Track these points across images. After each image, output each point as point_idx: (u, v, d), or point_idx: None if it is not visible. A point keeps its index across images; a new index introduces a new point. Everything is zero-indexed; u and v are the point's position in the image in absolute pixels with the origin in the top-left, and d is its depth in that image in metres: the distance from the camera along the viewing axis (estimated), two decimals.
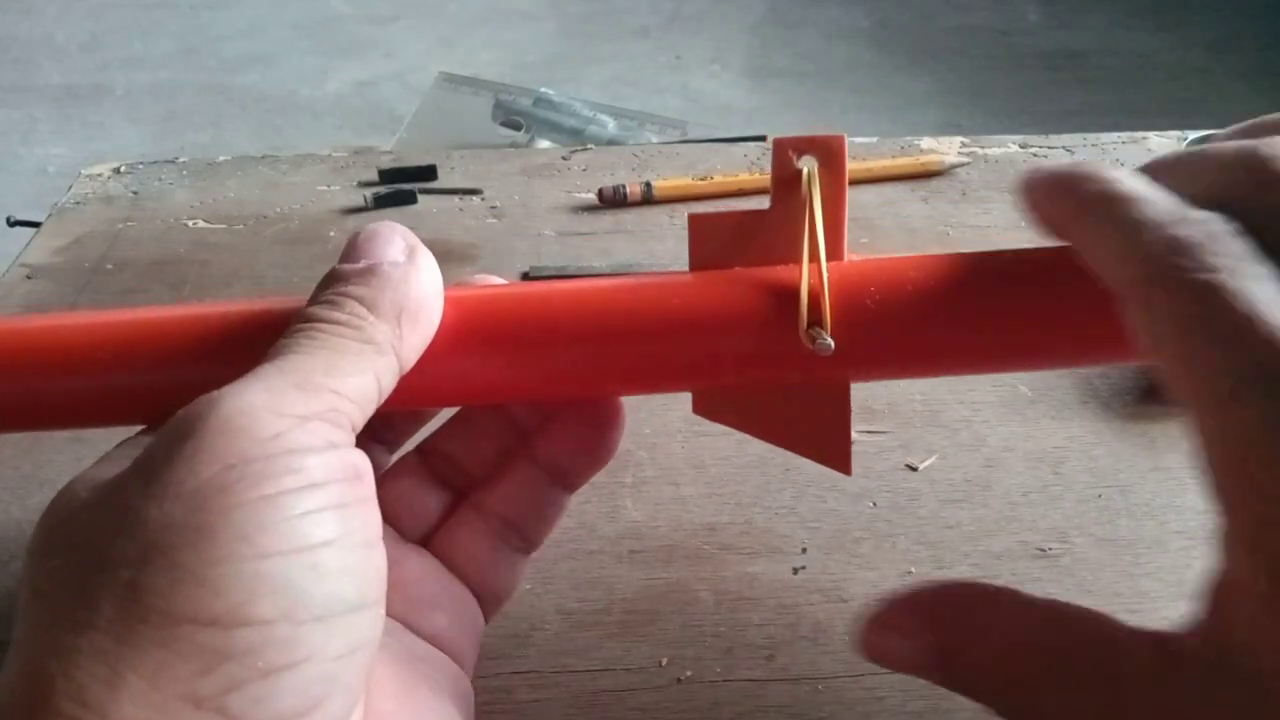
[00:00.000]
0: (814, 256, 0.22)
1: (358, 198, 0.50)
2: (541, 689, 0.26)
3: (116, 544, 0.16)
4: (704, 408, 0.24)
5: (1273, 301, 0.17)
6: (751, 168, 0.52)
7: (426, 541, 0.24)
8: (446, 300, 0.22)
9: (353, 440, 0.19)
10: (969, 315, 0.22)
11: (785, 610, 0.28)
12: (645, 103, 1.73)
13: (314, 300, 0.21)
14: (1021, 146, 0.54)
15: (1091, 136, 0.56)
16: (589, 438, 0.25)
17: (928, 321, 0.22)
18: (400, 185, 0.50)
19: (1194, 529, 0.30)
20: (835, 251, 0.23)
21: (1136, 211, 0.19)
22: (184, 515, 0.16)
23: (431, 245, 0.23)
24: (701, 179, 0.50)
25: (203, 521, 0.16)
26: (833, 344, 0.21)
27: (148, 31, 2.20)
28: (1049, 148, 0.54)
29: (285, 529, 0.17)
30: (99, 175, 0.52)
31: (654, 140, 0.98)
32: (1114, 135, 0.56)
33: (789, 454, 0.24)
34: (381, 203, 0.49)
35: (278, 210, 0.49)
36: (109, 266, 0.45)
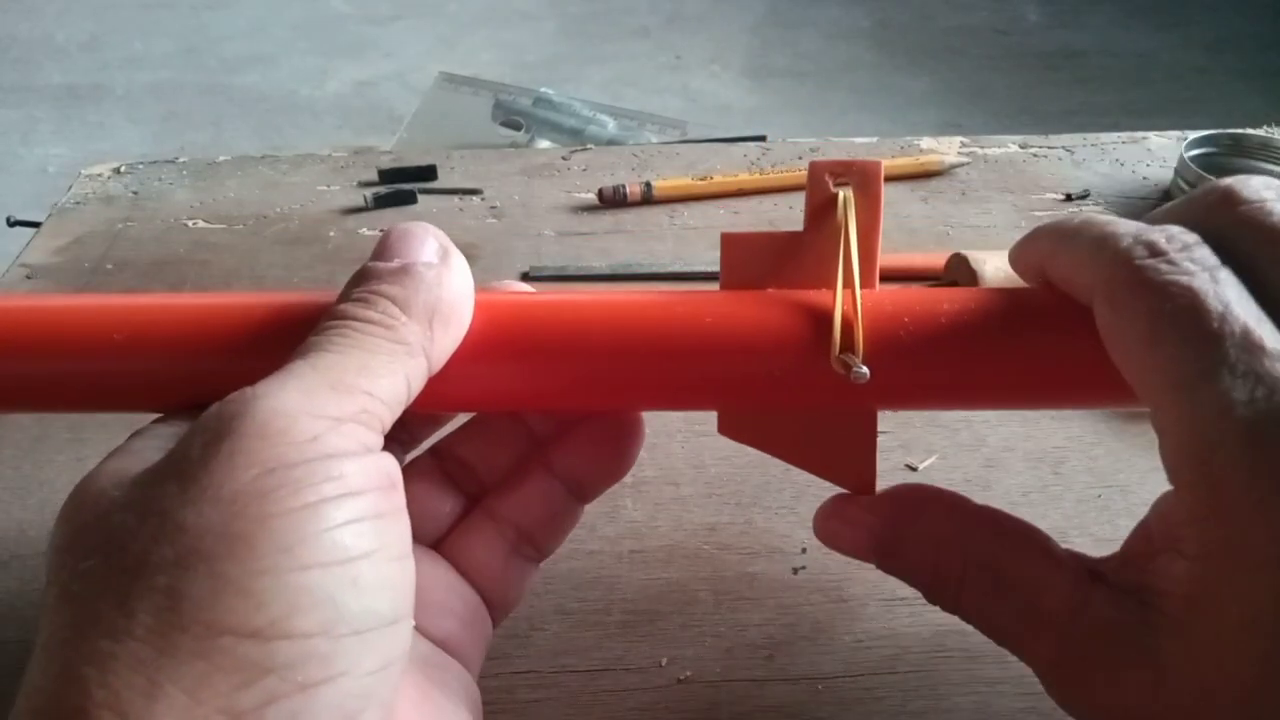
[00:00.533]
0: (848, 283, 0.22)
1: (358, 198, 0.50)
2: (541, 689, 0.26)
3: (153, 549, 0.16)
4: (730, 429, 0.24)
5: (1240, 299, 0.18)
6: (751, 168, 0.52)
7: (438, 545, 0.24)
8: (476, 305, 0.22)
9: (382, 443, 0.19)
10: (1002, 351, 0.22)
11: (785, 610, 0.28)
12: (645, 103, 1.73)
13: (345, 297, 0.21)
14: (1021, 146, 0.54)
15: (1091, 136, 0.56)
16: (608, 450, 0.24)
17: (959, 355, 0.22)
18: (400, 185, 0.50)
19: None
20: (869, 277, 0.23)
21: (1110, 227, 0.20)
22: (222, 521, 0.16)
23: None
24: (701, 179, 0.50)
25: (242, 529, 0.16)
26: (868, 373, 0.21)
27: (148, 31, 2.19)
28: (1049, 148, 0.54)
29: (326, 541, 0.17)
30: (99, 175, 0.52)
31: (654, 140, 0.98)
32: (1114, 135, 0.56)
33: None
34: (381, 203, 0.49)
35: (278, 210, 0.49)
36: (109, 266, 0.45)
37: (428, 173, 0.51)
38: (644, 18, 2.28)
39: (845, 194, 0.23)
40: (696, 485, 0.32)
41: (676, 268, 0.44)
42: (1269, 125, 0.54)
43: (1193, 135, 0.50)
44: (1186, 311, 0.18)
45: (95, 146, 1.78)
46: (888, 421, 0.35)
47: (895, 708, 0.26)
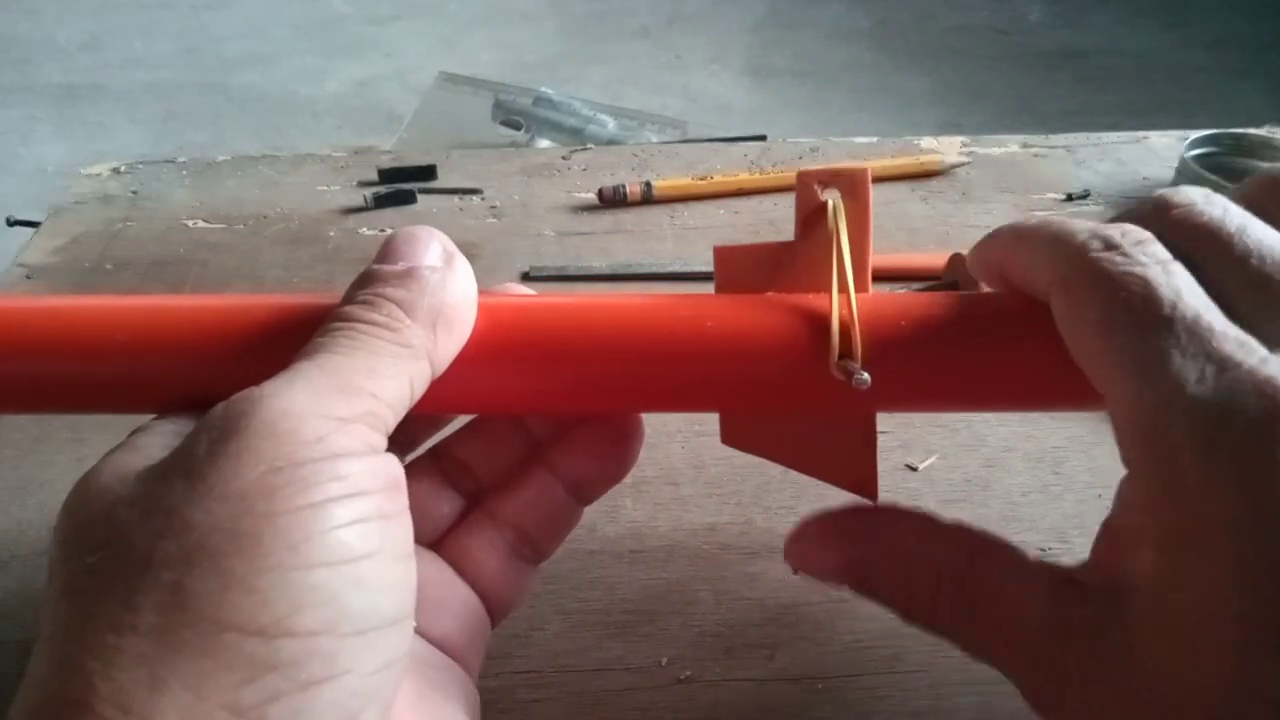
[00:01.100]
0: (843, 288, 0.22)
1: (358, 197, 0.50)
2: (541, 689, 0.26)
3: (159, 544, 0.16)
4: (733, 438, 0.24)
5: (1190, 288, 0.19)
6: (751, 167, 0.52)
7: (437, 545, 0.24)
8: (478, 308, 0.22)
9: (386, 444, 0.19)
10: (998, 355, 0.22)
11: (785, 610, 0.28)
12: (645, 103, 1.73)
13: (350, 300, 0.21)
14: (1022, 146, 0.54)
15: (1092, 136, 0.56)
16: (608, 451, 0.25)
17: (956, 359, 0.22)
18: (400, 185, 0.50)
19: None
20: (862, 282, 0.23)
21: (1065, 226, 0.21)
22: (228, 518, 0.16)
23: None
24: (701, 179, 0.50)
25: (248, 527, 0.16)
26: (869, 379, 0.21)
27: (148, 31, 2.19)
28: (1050, 147, 0.54)
29: (331, 540, 0.17)
30: (98, 175, 0.52)
31: (654, 140, 0.98)
32: (1115, 135, 0.56)
33: None
34: (381, 202, 0.49)
35: (277, 210, 0.49)
36: (108, 266, 0.45)
37: (428, 172, 0.51)
38: (644, 18, 2.28)
39: (835, 201, 0.23)
40: (696, 485, 0.32)
41: (676, 268, 0.44)
42: (1270, 125, 0.54)
43: (1194, 135, 0.50)
44: (1139, 299, 0.18)
45: (95, 146, 1.78)
46: (887, 422, 0.35)
47: (895, 708, 0.26)
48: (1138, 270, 0.19)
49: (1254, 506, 0.17)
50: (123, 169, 0.53)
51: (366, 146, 1.13)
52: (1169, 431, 0.18)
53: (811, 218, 0.24)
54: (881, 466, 0.33)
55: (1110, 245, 0.20)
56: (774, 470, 0.33)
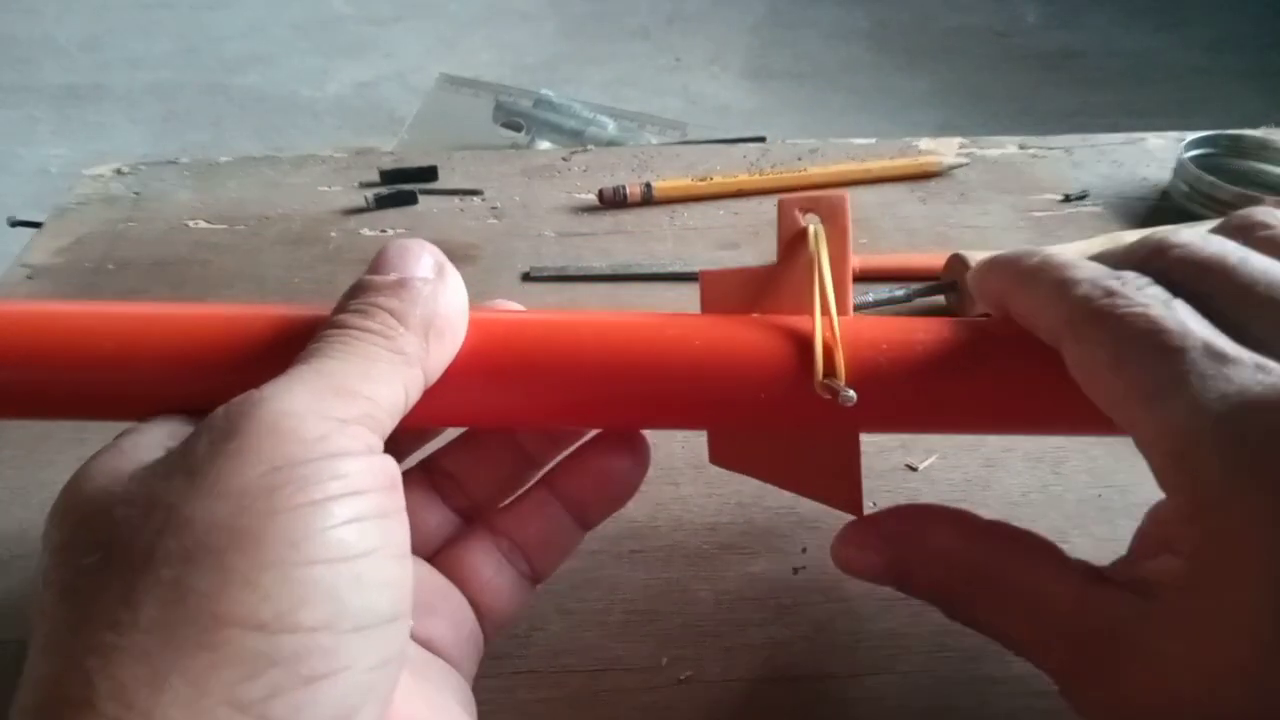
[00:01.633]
0: (825, 310, 0.23)
1: (359, 198, 0.50)
2: (541, 689, 0.26)
3: (159, 542, 0.16)
4: (720, 458, 0.25)
5: (1195, 319, 0.20)
6: (751, 169, 0.52)
7: (435, 558, 0.24)
8: (470, 322, 0.22)
9: (383, 446, 0.19)
10: (977, 380, 0.23)
11: (785, 610, 0.28)
12: (645, 104, 1.73)
13: (344, 308, 0.21)
14: (1020, 147, 0.54)
15: (1090, 137, 0.56)
16: (611, 476, 0.25)
17: (934, 382, 0.23)
18: (401, 186, 0.50)
19: None
20: (843, 304, 0.24)
21: (1069, 271, 0.22)
22: (229, 516, 0.16)
23: None
24: (701, 180, 0.50)
25: (249, 524, 0.16)
26: (854, 396, 0.22)
27: (148, 31, 2.19)
28: (1048, 148, 0.54)
29: (331, 537, 0.17)
30: (100, 175, 0.53)
31: (654, 141, 0.98)
32: (1113, 136, 0.56)
33: None
34: (382, 203, 0.49)
35: (279, 211, 0.49)
36: (110, 267, 0.45)
37: (428, 173, 0.51)
38: (644, 18, 2.28)
39: (815, 227, 0.24)
40: (696, 485, 0.33)
41: (676, 268, 0.44)
42: (1268, 126, 0.54)
43: (1192, 136, 0.50)
44: (1147, 334, 0.19)
45: (95, 146, 1.78)
46: None
47: (895, 708, 0.26)
48: (1139, 309, 0.20)
49: (1278, 512, 0.17)
50: (125, 170, 0.53)
51: (367, 147, 1.14)
52: (1195, 450, 0.18)
53: (793, 243, 0.24)
54: (881, 466, 0.33)
55: (1111, 293, 0.20)
56: None
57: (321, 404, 0.18)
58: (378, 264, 0.22)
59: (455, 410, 0.23)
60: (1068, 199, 0.50)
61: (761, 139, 0.61)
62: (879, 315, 0.25)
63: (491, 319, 0.23)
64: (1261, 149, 0.50)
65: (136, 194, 0.51)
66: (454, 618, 0.23)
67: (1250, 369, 0.18)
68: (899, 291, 0.41)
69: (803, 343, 0.23)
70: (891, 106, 1.92)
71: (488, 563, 0.24)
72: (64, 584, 0.17)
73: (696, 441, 0.34)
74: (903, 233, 0.47)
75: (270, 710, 0.16)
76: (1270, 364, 0.18)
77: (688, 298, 0.43)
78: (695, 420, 0.24)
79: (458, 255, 0.45)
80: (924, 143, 0.55)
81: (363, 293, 0.21)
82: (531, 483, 0.25)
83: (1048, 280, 0.22)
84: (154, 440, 0.20)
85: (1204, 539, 0.18)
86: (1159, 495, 0.21)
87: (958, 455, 0.34)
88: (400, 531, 0.19)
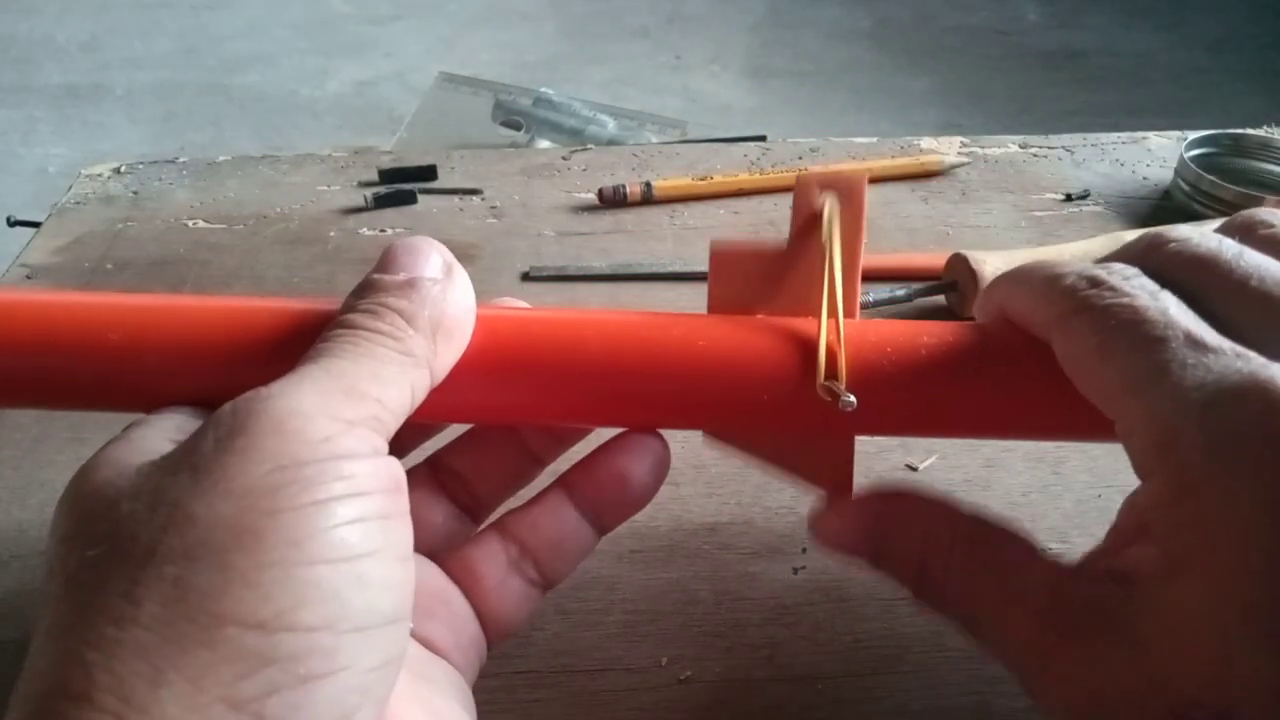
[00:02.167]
0: (831, 312, 0.23)
1: (358, 198, 0.50)
2: (541, 689, 0.26)
3: (163, 538, 0.16)
4: (713, 440, 0.24)
5: (1179, 309, 0.20)
6: (751, 168, 0.52)
7: (440, 555, 0.24)
8: (476, 320, 0.22)
9: (387, 448, 0.19)
10: (978, 385, 0.23)
11: (785, 610, 0.28)
12: (645, 103, 1.73)
13: (352, 307, 0.21)
14: (1021, 147, 0.54)
15: (1091, 136, 0.56)
16: (633, 480, 0.24)
17: (937, 387, 0.23)
18: (400, 185, 0.50)
19: None
20: (851, 291, 0.24)
21: (1056, 269, 0.22)
22: (233, 514, 0.17)
23: None
24: (701, 179, 0.50)
25: (252, 523, 0.16)
26: (855, 401, 0.22)
27: (148, 31, 2.19)
28: (1049, 148, 0.54)
29: (334, 537, 0.17)
30: (99, 175, 0.52)
31: (654, 140, 0.98)
32: (1114, 135, 0.56)
33: None
34: (382, 203, 0.49)
35: (278, 210, 0.49)
36: (109, 266, 0.45)
37: (428, 173, 0.51)
38: (644, 18, 2.28)
39: (830, 209, 0.24)
40: (696, 485, 0.32)
41: (676, 268, 0.44)
42: (1269, 125, 0.54)
43: (1193, 135, 0.50)
44: (1131, 324, 0.20)
45: (95, 146, 1.78)
46: None
47: (895, 708, 0.26)
48: (1125, 300, 0.20)
49: (1259, 501, 0.17)
50: (124, 169, 0.53)
51: (367, 147, 1.14)
52: (1178, 438, 0.18)
53: (807, 223, 0.24)
54: (881, 467, 0.33)
55: (1096, 283, 0.21)
56: None
57: (329, 404, 0.18)
58: (386, 263, 0.22)
59: (461, 407, 0.23)
60: (1069, 198, 0.49)
61: (762, 138, 0.61)
62: (883, 317, 0.24)
63: (497, 316, 0.23)
64: (1263, 148, 0.50)
65: (135, 194, 0.51)
66: (455, 621, 0.23)
67: (1230, 357, 0.19)
68: (899, 291, 0.41)
69: (806, 345, 0.23)
70: (892, 106, 1.92)
71: (494, 569, 0.24)
72: (68, 574, 0.17)
73: (697, 441, 0.34)
74: (903, 232, 0.47)
75: (267, 709, 0.16)
76: (1249, 353, 0.19)
77: (688, 297, 0.42)
78: (697, 420, 0.24)
79: (457, 255, 0.45)
80: (925, 142, 0.54)
81: (371, 292, 0.21)
82: (545, 485, 0.25)
83: (1037, 278, 0.22)
84: (162, 433, 0.20)
85: (1181, 524, 0.18)
86: (1126, 496, 0.21)
87: (958, 455, 0.34)
88: (403, 533, 0.19)
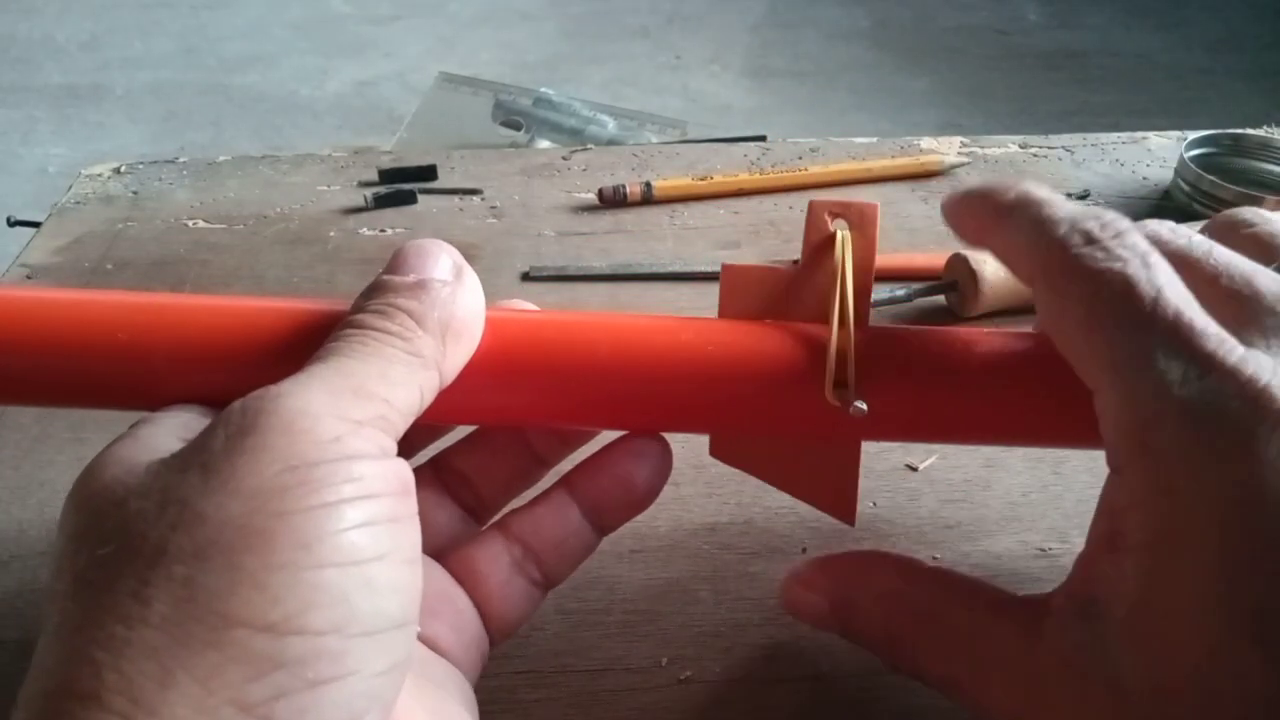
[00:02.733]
0: (842, 321, 0.23)
1: (358, 198, 0.50)
2: (541, 689, 0.26)
3: (172, 537, 0.16)
4: (721, 453, 0.25)
5: (1171, 283, 0.19)
6: (751, 168, 0.52)
7: (443, 554, 0.24)
8: (485, 322, 0.22)
9: (396, 449, 0.19)
10: (989, 392, 0.23)
11: (785, 610, 0.28)
12: (645, 103, 1.73)
13: (361, 308, 0.21)
14: (1021, 147, 0.54)
15: (1091, 136, 0.56)
16: (636, 481, 0.25)
17: (946, 395, 0.23)
18: (400, 185, 0.50)
19: None
20: (861, 315, 0.24)
21: (1048, 210, 0.21)
22: (242, 515, 0.16)
23: None
24: (701, 179, 0.50)
25: (262, 524, 0.16)
26: (865, 408, 0.22)
27: (148, 31, 2.19)
28: (1049, 148, 0.54)
29: (343, 540, 0.17)
30: (99, 175, 0.52)
31: (654, 140, 0.98)
32: (1114, 135, 0.56)
33: None
34: (382, 203, 0.49)
35: (278, 210, 0.49)
36: (109, 266, 0.45)
37: (428, 173, 0.51)
38: (644, 18, 2.28)
39: (843, 234, 0.24)
40: (696, 485, 0.32)
41: (676, 268, 0.44)
42: (1269, 125, 0.54)
43: (1193, 135, 0.50)
44: (1121, 297, 0.19)
45: (95, 146, 1.78)
46: None
47: (895, 708, 0.26)
48: (1118, 266, 0.19)
49: (1238, 501, 0.17)
50: (123, 169, 0.53)
51: (367, 146, 1.14)
52: (1156, 431, 0.18)
53: (820, 247, 0.24)
54: (881, 467, 0.33)
55: (1090, 239, 0.20)
56: None
57: (338, 404, 0.18)
58: (396, 264, 0.22)
59: (469, 409, 0.23)
60: (1069, 198, 0.49)
61: (762, 138, 0.61)
62: (883, 317, 0.24)
63: (506, 318, 0.23)
64: (1262, 148, 0.50)
65: (135, 193, 0.51)
66: (458, 621, 0.23)
67: (1215, 345, 0.18)
68: (900, 291, 0.41)
69: (816, 351, 0.23)
70: (892, 105, 1.92)
71: (498, 569, 0.24)
72: (76, 573, 0.17)
73: (696, 441, 0.34)
74: (903, 232, 0.47)
75: (275, 712, 0.16)
76: (1231, 340, 0.18)
77: (687, 298, 0.42)
78: (705, 424, 0.24)
79: None
80: (925, 142, 0.54)
81: (381, 292, 0.21)
82: (548, 485, 0.25)
83: (1026, 218, 0.21)
84: (169, 431, 0.20)
85: (1158, 530, 0.18)
86: (1100, 494, 0.21)
87: (958, 455, 0.34)
88: (411, 536, 0.19)
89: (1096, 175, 0.52)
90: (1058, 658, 0.20)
